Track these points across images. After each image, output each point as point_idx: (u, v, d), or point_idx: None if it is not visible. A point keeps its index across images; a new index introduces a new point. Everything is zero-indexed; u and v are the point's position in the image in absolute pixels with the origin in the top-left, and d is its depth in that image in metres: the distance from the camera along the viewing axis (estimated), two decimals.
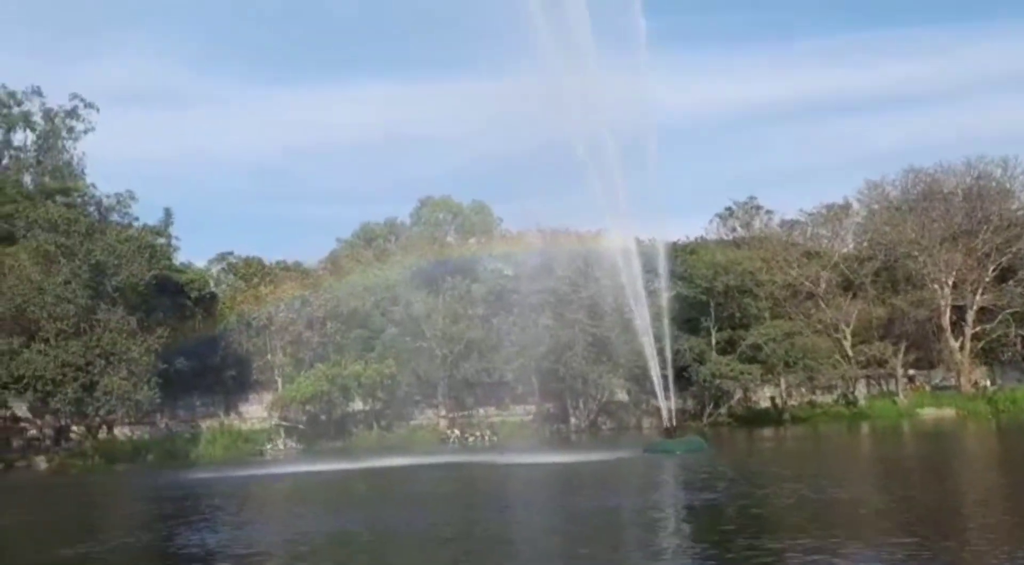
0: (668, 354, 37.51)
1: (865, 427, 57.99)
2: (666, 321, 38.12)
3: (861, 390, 67.08)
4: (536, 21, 35.69)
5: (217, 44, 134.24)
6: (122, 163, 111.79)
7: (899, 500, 21.57)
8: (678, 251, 67.71)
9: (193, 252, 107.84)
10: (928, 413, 60.64)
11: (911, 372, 68.02)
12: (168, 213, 66.20)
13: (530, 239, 66.09)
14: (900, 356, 63.82)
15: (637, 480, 29.64)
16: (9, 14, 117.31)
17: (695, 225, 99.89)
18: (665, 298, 39.10)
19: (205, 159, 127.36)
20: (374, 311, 61.81)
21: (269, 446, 58.57)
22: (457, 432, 61.19)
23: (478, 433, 60.84)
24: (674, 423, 37.11)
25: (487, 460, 39.06)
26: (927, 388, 67.72)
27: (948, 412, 60.36)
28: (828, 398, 66.76)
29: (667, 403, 36.86)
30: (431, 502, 25.75)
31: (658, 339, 38.76)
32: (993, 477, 26.82)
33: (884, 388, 67.44)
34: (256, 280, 61.11)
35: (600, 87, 36.27)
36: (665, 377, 37.08)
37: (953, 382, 65.64)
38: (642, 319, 36.93)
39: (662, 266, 39.23)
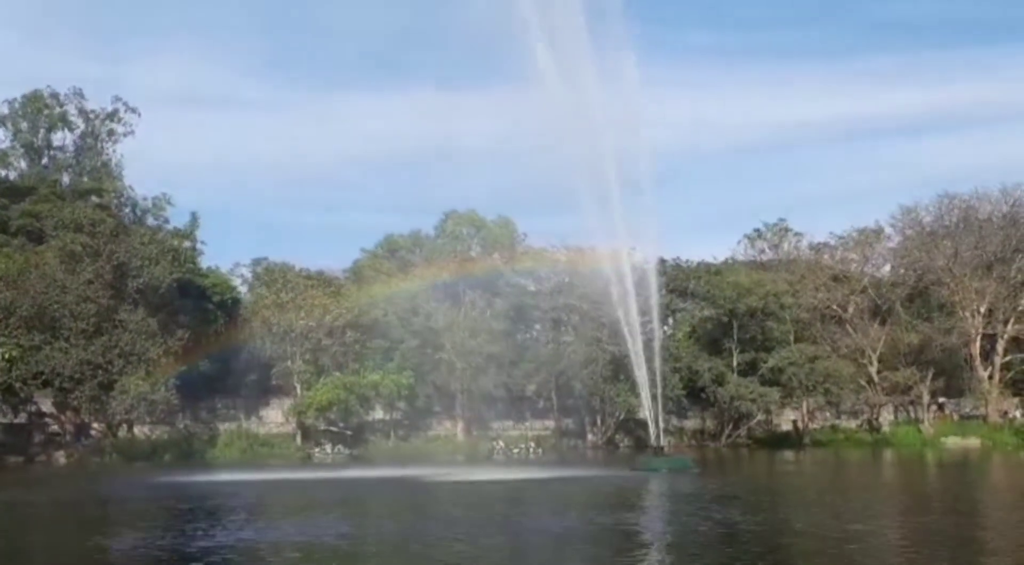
0: (658, 373, 37.29)
1: (887, 454, 56.66)
2: (656, 343, 37.97)
3: (888, 416, 65.60)
4: (534, 45, 35.91)
5: (268, 52, 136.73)
6: (162, 164, 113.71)
7: (856, 535, 19.38)
8: (702, 272, 67.41)
9: (220, 256, 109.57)
10: (952, 442, 58.98)
11: (940, 400, 66.18)
12: (194, 217, 67.46)
13: (554, 255, 66.19)
14: (927, 383, 62.10)
15: (603, 499, 29.36)
16: (68, 15, 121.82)
17: (725, 246, 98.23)
18: (656, 317, 38.90)
19: (239, 163, 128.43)
20: (394, 322, 62.24)
21: (317, 450, 59.39)
22: (502, 444, 61.30)
23: (523, 446, 60.90)
24: (661, 442, 36.99)
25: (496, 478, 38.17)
26: (955, 417, 65.86)
27: (973, 442, 58.72)
28: (852, 423, 65.54)
29: (654, 423, 36.71)
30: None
31: (662, 359, 38.59)
32: (1018, 514, 25.18)
33: (912, 415, 65.76)
34: (278, 286, 61.96)
35: (598, 109, 36.26)
36: (655, 396, 36.89)
37: (982, 411, 63.64)
38: (632, 337, 36.83)
39: (653, 285, 39.11)
